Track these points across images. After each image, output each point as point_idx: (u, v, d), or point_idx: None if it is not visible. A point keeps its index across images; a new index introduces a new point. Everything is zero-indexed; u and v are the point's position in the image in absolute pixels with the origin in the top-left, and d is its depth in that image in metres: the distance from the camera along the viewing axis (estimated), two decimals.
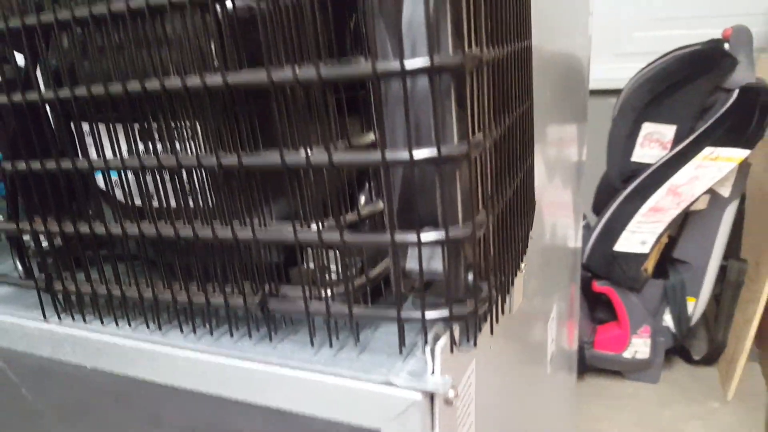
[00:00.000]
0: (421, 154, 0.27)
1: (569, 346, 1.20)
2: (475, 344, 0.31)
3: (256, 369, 0.34)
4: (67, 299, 0.41)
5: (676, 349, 1.64)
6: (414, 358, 0.32)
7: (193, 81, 0.30)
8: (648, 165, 1.41)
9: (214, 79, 0.30)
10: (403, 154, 0.28)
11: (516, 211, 0.38)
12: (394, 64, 0.26)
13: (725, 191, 1.40)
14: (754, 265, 1.48)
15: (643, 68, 1.44)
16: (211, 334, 0.36)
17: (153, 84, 0.31)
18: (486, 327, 0.33)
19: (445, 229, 0.29)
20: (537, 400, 0.72)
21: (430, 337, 0.32)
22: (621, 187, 1.46)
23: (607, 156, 1.51)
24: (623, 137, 1.45)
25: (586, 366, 1.61)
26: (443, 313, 0.30)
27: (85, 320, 0.40)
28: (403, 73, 0.27)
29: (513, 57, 0.35)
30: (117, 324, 0.39)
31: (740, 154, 1.33)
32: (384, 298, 0.38)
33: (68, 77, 0.35)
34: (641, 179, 1.41)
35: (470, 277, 0.31)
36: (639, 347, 1.56)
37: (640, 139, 1.43)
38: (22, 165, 0.37)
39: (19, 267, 0.43)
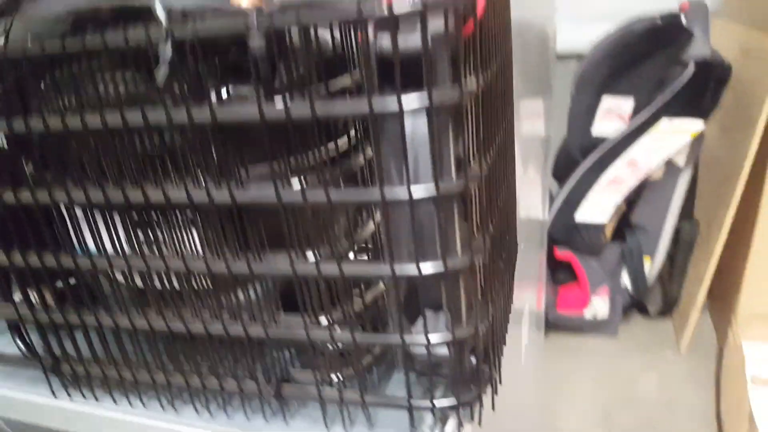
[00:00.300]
0: (428, 269, 0.29)
1: (538, 309, 1.27)
2: (480, 424, 0.34)
3: None
4: (75, 378, 0.41)
5: (634, 304, 1.74)
6: None
7: (200, 196, 0.31)
8: (608, 138, 1.45)
9: (222, 196, 0.30)
10: (412, 269, 0.29)
11: (507, 283, 0.40)
12: (402, 193, 0.28)
13: (680, 161, 1.46)
14: (705, 226, 1.56)
15: (600, 41, 1.46)
16: (226, 413, 0.38)
17: (157, 195, 0.32)
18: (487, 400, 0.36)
19: (452, 332, 0.31)
20: (516, 390, 0.76)
21: (437, 417, 0.34)
22: (581, 159, 1.50)
23: (568, 129, 1.54)
24: (583, 112, 1.48)
25: (550, 324, 1.69)
26: (451, 401, 0.33)
27: (96, 398, 0.41)
28: (411, 200, 0.28)
29: (504, 149, 0.37)
30: (130, 403, 0.40)
31: (696, 125, 1.38)
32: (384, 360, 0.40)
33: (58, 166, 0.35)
34: (601, 152, 1.45)
35: (473, 359, 0.34)
36: (599, 306, 1.65)
37: (599, 113, 1.46)
38: (18, 259, 0.37)
39: (21, 345, 0.43)
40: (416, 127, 0.28)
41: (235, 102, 0.34)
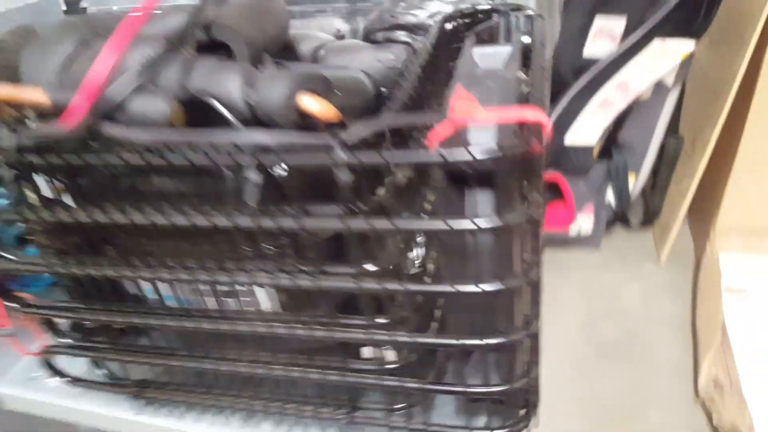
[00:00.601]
0: (492, 339, 0.34)
1: None
2: None
3: None
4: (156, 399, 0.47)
5: (617, 218, 1.83)
6: None
7: (287, 282, 0.34)
8: (599, 59, 1.45)
9: (307, 282, 0.34)
10: (478, 342, 0.34)
11: None
12: (472, 288, 0.32)
13: (669, 81, 1.48)
14: (690, 142, 1.62)
15: None
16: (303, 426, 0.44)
17: (243, 278, 0.35)
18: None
19: (510, 385, 0.36)
20: None
21: None
22: (572, 81, 1.51)
23: (558, 50, 1.53)
24: (575, 32, 1.46)
25: None
26: (505, 430, 0.39)
27: (178, 417, 0.47)
28: (482, 293, 0.32)
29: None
30: (211, 419, 0.46)
31: (688, 46, 1.38)
32: None
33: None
34: (591, 75, 1.46)
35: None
36: (584, 223, 1.73)
37: (592, 34, 1.45)
38: (105, 318, 0.41)
39: (98, 371, 0.48)
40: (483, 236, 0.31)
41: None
